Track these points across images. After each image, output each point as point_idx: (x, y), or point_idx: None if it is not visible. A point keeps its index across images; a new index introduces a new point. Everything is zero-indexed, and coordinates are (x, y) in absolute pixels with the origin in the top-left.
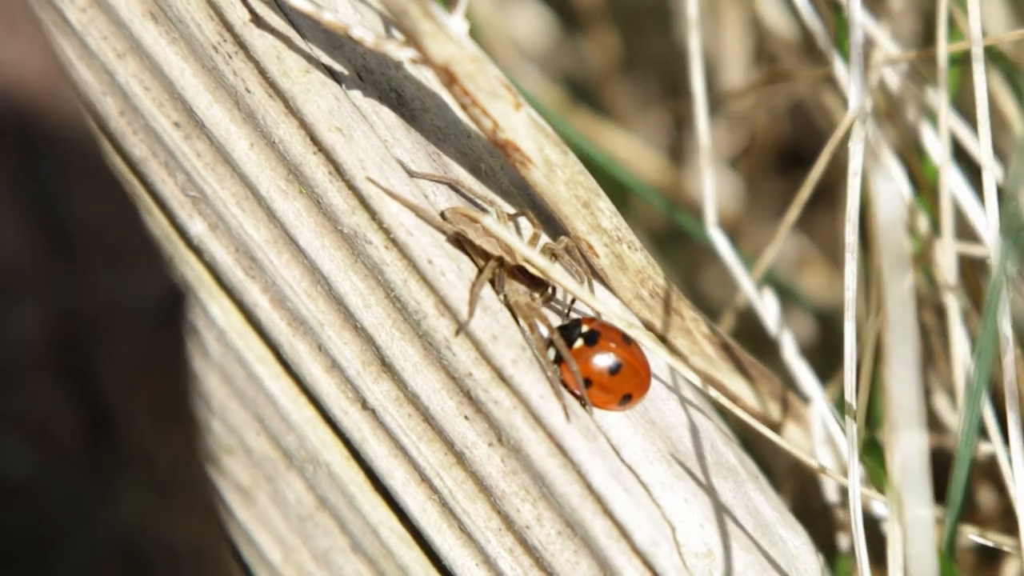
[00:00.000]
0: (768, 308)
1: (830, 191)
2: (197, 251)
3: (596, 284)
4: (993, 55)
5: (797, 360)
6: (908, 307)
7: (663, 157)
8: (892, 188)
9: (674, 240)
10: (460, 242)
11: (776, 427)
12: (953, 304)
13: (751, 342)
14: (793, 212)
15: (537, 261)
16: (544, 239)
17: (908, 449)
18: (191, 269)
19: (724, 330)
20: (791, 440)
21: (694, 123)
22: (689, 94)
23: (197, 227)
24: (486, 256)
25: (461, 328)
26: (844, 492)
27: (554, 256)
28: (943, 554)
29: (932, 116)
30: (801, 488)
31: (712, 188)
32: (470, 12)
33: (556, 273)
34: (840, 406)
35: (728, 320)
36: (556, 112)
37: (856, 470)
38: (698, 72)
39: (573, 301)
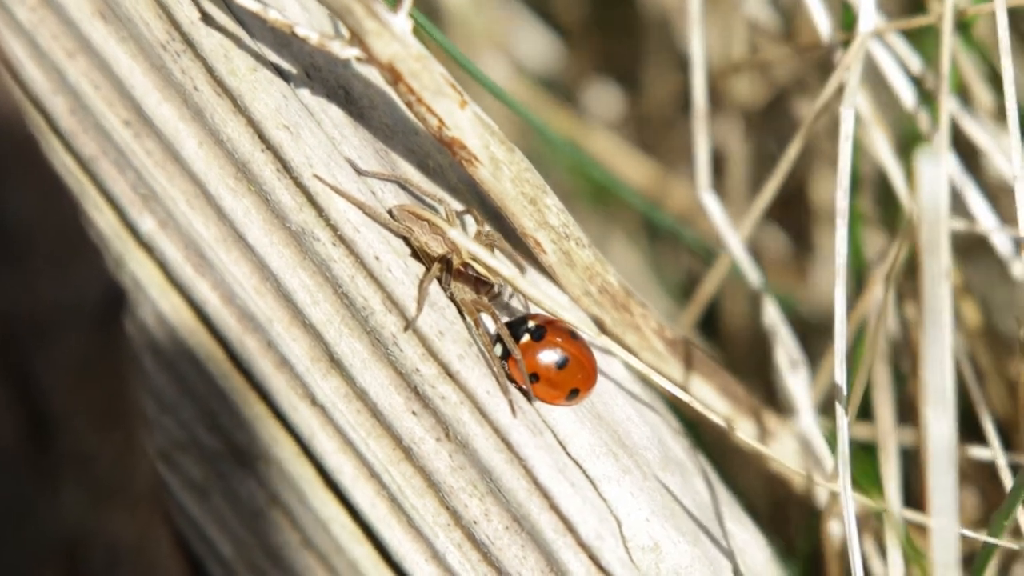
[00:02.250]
0: (769, 314)
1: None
2: (147, 248)
3: (547, 281)
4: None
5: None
6: (944, 290)
7: (640, 154)
8: (938, 171)
9: (652, 239)
10: (408, 240)
11: (728, 421)
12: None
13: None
14: (780, 173)
15: (484, 258)
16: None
17: (937, 432)
18: (141, 267)
19: (698, 308)
20: (745, 433)
21: (689, 90)
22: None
23: (147, 224)
24: (434, 253)
25: (409, 324)
26: (806, 490)
27: (491, 247)
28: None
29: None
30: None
31: (705, 151)
32: (444, 9)
33: (503, 271)
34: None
35: (707, 288)
36: (526, 106)
37: (847, 463)
38: (698, 35)
39: (511, 296)
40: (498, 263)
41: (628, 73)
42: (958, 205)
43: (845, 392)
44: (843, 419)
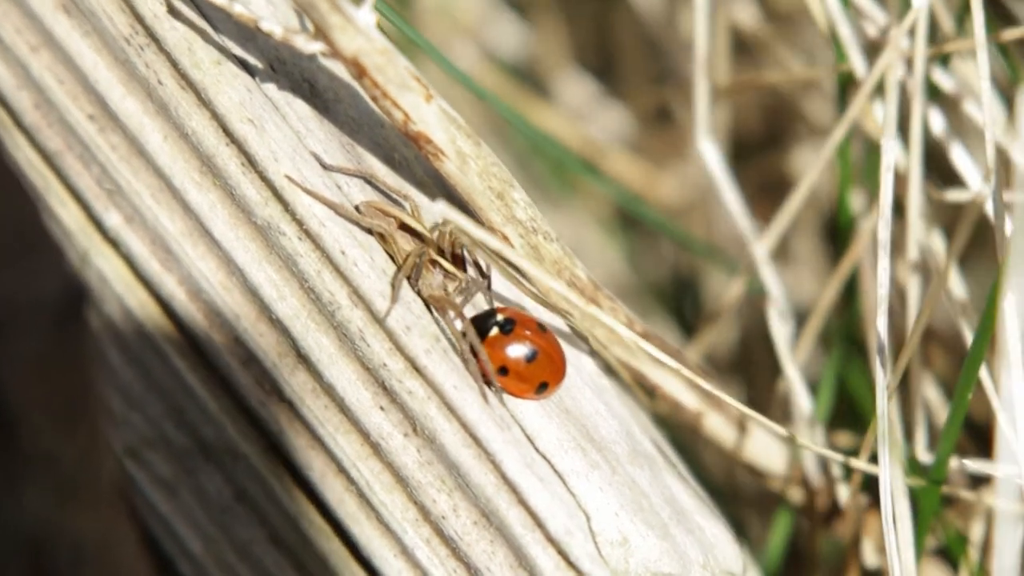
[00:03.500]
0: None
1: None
2: (113, 243)
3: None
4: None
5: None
6: None
7: (616, 145)
8: None
9: (627, 231)
10: (375, 235)
11: (696, 415)
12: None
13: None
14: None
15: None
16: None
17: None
18: (107, 262)
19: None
20: (712, 429)
21: (692, 38)
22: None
23: (113, 219)
24: (403, 249)
25: (382, 319)
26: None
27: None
28: None
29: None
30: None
31: (705, 98)
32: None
33: (491, 244)
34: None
35: (725, 302)
36: (497, 95)
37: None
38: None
39: (476, 290)
40: (483, 238)
41: (601, 60)
42: None
43: (887, 436)
44: (886, 470)
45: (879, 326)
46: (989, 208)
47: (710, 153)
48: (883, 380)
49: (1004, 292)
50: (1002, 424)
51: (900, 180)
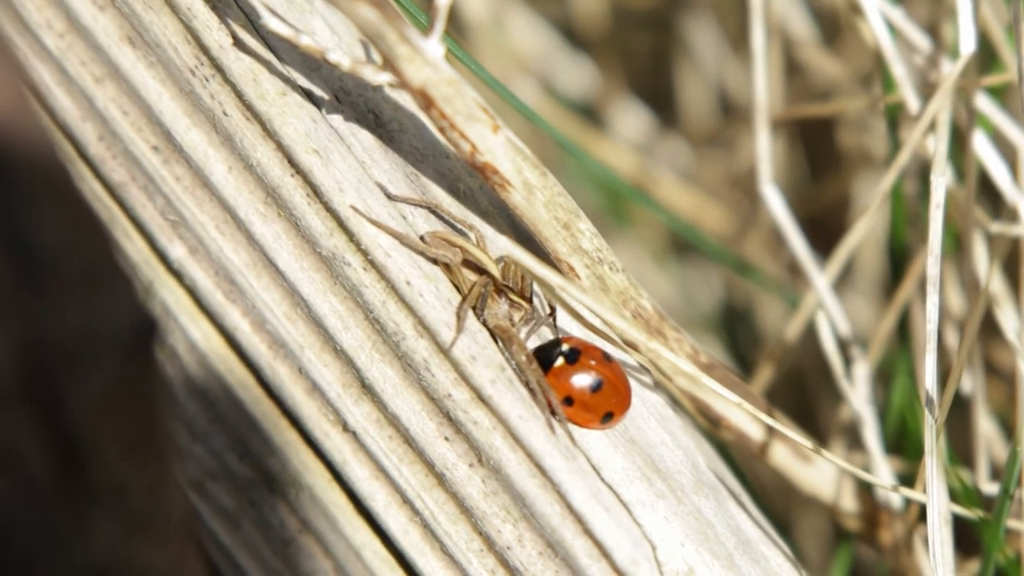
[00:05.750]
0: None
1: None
2: (177, 275)
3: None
4: None
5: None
6: None
7: (673, 176)
8: None
9: (681, 262)
10: (440, 265)
11: (761, 447)
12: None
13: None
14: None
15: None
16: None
17: None
18: (171, 293)
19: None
20: (777, 459)
21: (752, 78)
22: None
23: (177, 251)
24: (469, 280)
25: (447, 349)
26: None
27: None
28: None
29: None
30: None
31: (766, 144)
32: (469, 27)
33: (553, 280)
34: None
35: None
36: (556, 127)
37: (936, 477)
38: (759, 21)
39: (542, 321)
40: (543, 274)
41: (659, 95)
42: None
43: (936, 475)
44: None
45: (927, 363)
46: None
47: (773, 198)
48: (930, 418)
49: None
50: None
51: (959, 212)
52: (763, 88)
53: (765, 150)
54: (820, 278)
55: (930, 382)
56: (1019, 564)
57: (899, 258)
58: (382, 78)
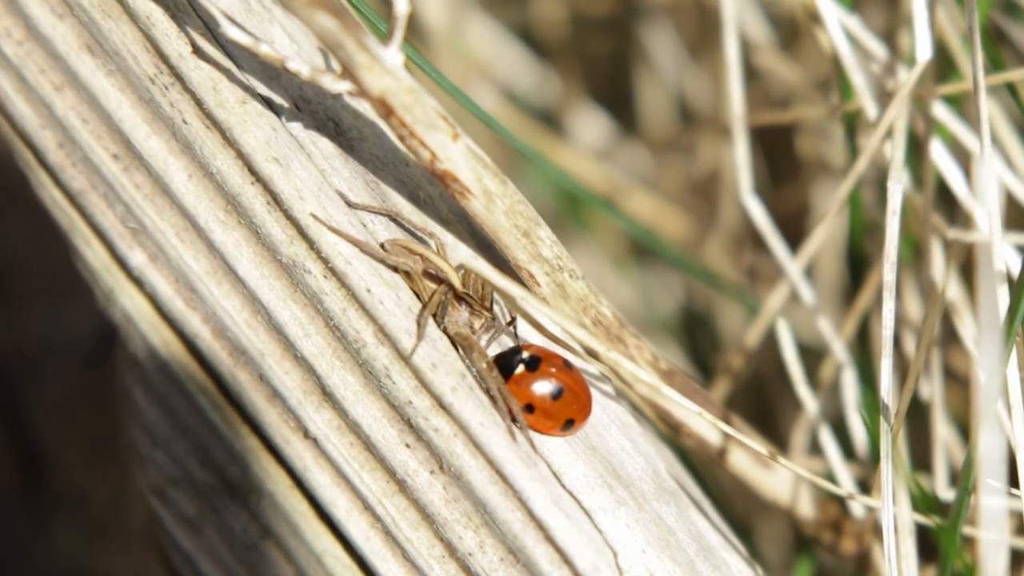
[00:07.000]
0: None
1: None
2: (137, 282)
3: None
4: None
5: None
6: None
7: (632, 182)
8: None
9: (637, 261)
10: (400, 272)
11: (721, 453)
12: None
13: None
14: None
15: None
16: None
17: None
18: (132, 301)
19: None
20: (737, 466)
21: (727, 88)
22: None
23: (137, 258)
24: (428, 288)
25: (408, 357)
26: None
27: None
28: None
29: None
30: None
31: (745, 155)
32: (428, 33)
33: (512, 291)
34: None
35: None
36: (516, 133)
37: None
38: (732, 32)
39: (514, 322)
40: (504, 285)
41: (618, 101)
42: None
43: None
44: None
45: (883, 368)
46: (996, 249)
47: (755, 208)
48: (885, 424)
49: (1014, 331)
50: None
51: (917, 219)
52: (739, 99)
53: (744, 160)
54: (807, 291)
55: (886, 388)
56: (976, 570)
57: (858, 265)
58: (341, 86)
